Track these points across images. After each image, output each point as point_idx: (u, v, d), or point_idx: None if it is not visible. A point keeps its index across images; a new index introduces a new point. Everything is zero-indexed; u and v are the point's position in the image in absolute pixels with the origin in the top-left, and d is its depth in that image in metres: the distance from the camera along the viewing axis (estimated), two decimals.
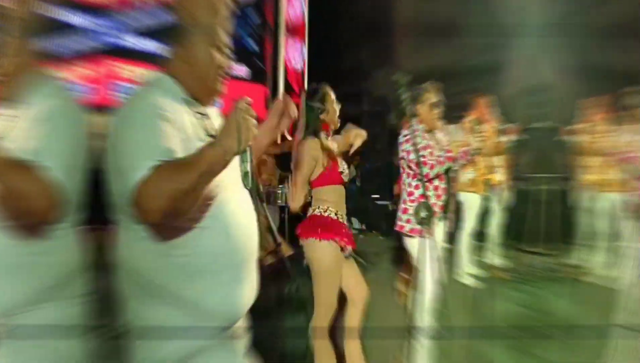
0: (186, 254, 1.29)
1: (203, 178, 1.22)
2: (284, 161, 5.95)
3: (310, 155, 2.59)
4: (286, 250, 4.79)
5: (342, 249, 2.59)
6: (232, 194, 1.38)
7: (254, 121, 1.30)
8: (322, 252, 2.54)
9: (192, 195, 1.21)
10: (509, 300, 4.04)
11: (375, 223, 7.45)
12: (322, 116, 2.60)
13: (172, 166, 1.20)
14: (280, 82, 7.91)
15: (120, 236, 1.35)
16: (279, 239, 3.00)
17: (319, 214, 2.61)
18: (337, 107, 2.71)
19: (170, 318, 1.30)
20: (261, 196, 3.65)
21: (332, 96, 2.67)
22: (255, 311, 1.49)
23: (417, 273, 2.42)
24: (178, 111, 1.32)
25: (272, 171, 5.59)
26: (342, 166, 2.71)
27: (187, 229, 1.28)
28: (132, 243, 1.32)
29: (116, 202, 1.33)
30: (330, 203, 2.62)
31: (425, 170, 2.76)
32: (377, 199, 7.63)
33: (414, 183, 2.92)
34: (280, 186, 5.32)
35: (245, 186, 1.36)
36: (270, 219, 3.37)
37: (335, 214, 2.63)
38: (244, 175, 1.33)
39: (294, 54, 8.24)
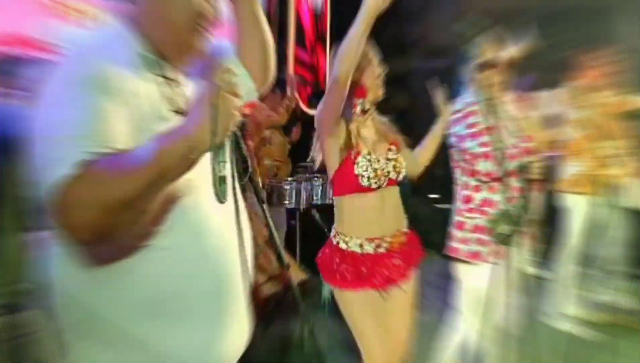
0: (135, 283, 1.22)
1: (155, 183, 1.09)
2: (298, 150, 5.34)
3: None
4: (297, 275, 4.65)
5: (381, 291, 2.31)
6: (205, 198, 1.27)
7: (238, 102, 1.18)
8: (348, 305, 2.31)
9: (137, 206, 1.09)
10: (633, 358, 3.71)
11: (430, 236, 7.34)
12: (353, 76, 2.21)
13: (109, 163, 1.07)
14: (290, 30, 6.69)
15: (53, 250, 1.25)
16: (286, 259, 2.93)
17: (339, 246, 2.32)
18: (378, 71, 2.38)
19: None
20: (260, 195, 3.50)
21: (372, 54, 2.38)
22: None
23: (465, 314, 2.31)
24: (129, 78, 1.19)
25: (281, 154, 4.85)
26: (369, 162, 2.28)
27: (132, 250, 1.20)
28: (66, 261, 1.23)
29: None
30: (356, 224, 2.30)
31: (485, 166, 2.50)
32: (435, 201, 6.50)
33: (472, 183, 2.66)
34: (289, 179, 4.64)
35: (219, 198, 1.23)
36: (272, 229, 3.24)
37: (361, 246, 2.28)
38: (219, 181, 1.21)
39: None
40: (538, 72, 3.47)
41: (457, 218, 2.72)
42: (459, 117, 2.64)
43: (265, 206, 3.01)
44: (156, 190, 1.12)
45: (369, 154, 2.28)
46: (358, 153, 2.27)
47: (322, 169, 5.01)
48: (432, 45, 6.66)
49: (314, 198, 4.66)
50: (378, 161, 2.29)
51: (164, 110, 1.24)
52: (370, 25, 1.99)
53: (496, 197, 2.53)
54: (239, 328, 1.42)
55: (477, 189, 2.65)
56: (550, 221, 5.21)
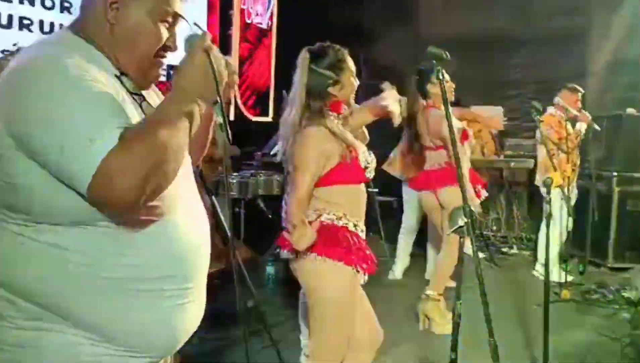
0: (105, 264, 1.26)
1: (175, 138, 1.20)
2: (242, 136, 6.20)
3: (319, 151, 2.29)
4: (242, 253, 5.20)
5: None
6: (176, 188, 1.33)
7: (225, 59, 1.33)
8: (332, 279, 2.29)
9: (166, 166, 1.20)
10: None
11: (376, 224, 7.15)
12: (332, 90, 2.36)
13: (135, 133, 1.17)
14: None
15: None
16: (232, 240, 3.23)
17: (329, 222, 2.32)
18: (355, 82, 2.44)
19: (74, 348, 1.26)
20: (209, 187, 3.53)
21: (351, 63, 2.42)
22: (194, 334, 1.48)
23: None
24: (109, 83, 1.27)
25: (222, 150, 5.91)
26: (366, 157, 2.42)
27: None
28: (11, 241, 1.26)
29: None
30: (346, 209, 2.35)
31: None
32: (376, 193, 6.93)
33: None
34: (235, 174, 5.33)
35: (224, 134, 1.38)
36: (220, 216, 3.56)
37: (355, 225, 2.36)
38: (220, 127, 1.36)
39: None
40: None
41: None
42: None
43: (213, 197, 3.50)
44: (177, 146, 1.22)
45: (364, 151, 2.42)
46: (357, 151, 2.37)
47: (267, 166, 5.61)
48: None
49: (259, 190, 5.21)
50: (370, 155, 2.45)
51: (137, 118, 1.31)
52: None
53: None
54: (199, 307, 1.47)
55: None
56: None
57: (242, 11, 6.94)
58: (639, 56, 6.75)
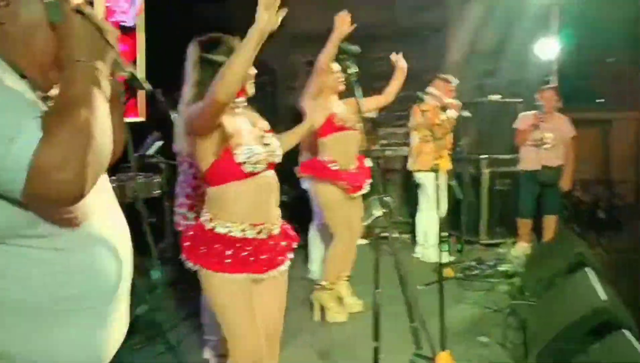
0: (25, 284, 1.19)
1: (98, 113, 1.15)
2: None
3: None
4: None
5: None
6: (95, 198, 1.26)
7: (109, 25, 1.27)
8: (221, 289, 2.30)
9: (100, 141, 1.15)
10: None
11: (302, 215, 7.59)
12: None
13: (52, 120, 1.10)
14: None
15: None
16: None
17: (216, 231, 2.29)
18: (254, 71, 2.39)
19: None
20: None
21: None
22: None
23: None
24: (17, 83, 1.19)
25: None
26: (254, 150, 2.30)
27: None
28: None
29: None
30: (239, 210, 2.30)
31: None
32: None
33: None
34: (113, 178, 4.97)
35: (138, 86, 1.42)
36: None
37: (243, 231, 2.29)
38: (131, 79, 1.38)
39: None
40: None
41: None
42: None
43: None
44: (100, 119, 1.17)
45: (248, 142, 2.31)
46: (238, 144, 2.27)
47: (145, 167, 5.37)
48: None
49: (138, 193, 5.03)
50: (257, 148, 2.32)
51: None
52: (258, 47, 2.02)
53: None
54: (122, 323, 1.42)
55: None
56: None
57: (106, 9, 6.58)
58: (492, 46, 7.24)
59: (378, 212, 2.11)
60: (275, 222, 2.40)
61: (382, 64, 8.29)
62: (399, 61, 4.52)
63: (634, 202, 9.92)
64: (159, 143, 5.62)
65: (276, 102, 8.70)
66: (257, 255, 2.30)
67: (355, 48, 2.26)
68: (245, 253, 2.27)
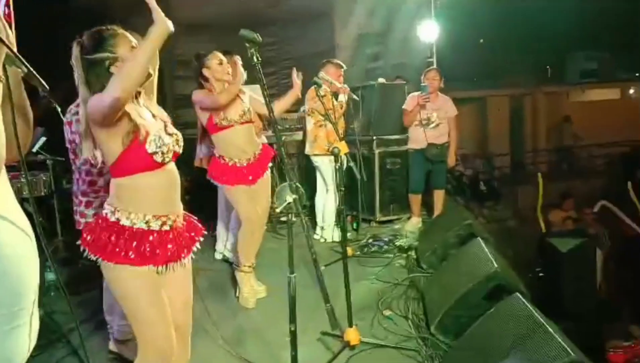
0: None
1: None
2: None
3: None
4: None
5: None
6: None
7: None
8: (125, 282, 2.28)
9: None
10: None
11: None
12: (114, 69, 2.27)
13: None
14: None
15: None
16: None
17: (120, 223, 2.26)
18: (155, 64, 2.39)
19: None
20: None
21: (129, 36, 2.36)
22: None
23: None
24: None
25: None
26: (163, 139, 2.31)
27: None
28: None
29: None
30: (144, 202, 2.28)
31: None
32: None
33: None
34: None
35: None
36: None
37: (147, 223, 2.28)
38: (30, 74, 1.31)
39: None
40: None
41: None
42: None
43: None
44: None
45: (157, 132, 2.31)
46: (147, 134, 2.26)
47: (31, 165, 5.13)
48: None
49: (24, 192, 4.85)
50: (166, 137, 2.34)
51: None
52: (159, 47, 2.12)
53: None
54: (32, 328, 1.40)
55: None
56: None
57: None
58: (380, 29, 7.50)
59: (289, 198, 2.18)
60: (179, 214, 2.42)
61: (270, 50, 8.37)
62: (297, 80, 4.39)
63: (510, 173, 10.72)
64: (43, 139, 5.38)
65: (163, 91, 8.52)
66: (160, 247, 2.30)
67: (257, 36, 2.31)
68: (148, 245, 2.27)
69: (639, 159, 10.98)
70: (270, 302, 4.24)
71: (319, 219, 6.10)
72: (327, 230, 5.94)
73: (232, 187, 4.24)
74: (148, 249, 2.26)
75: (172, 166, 2.39)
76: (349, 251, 5.34)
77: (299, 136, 6.83)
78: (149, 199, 2.29)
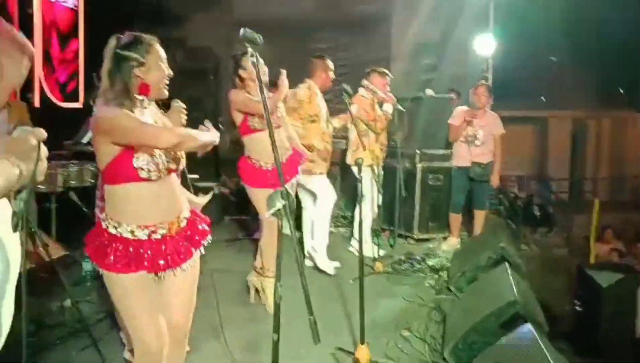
0: None
1: None
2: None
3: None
4: (55, 251, 4.90)
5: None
6: None
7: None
8: (117, 287, 2.33)
9: None
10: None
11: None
12: (137, 72, 2.32)
13: None
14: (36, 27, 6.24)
15: None
16: (44, 237, 3.06)
17: (109, 230, 2.31)
18: (166, 69, 2.42)
19: None
20: None
21: (161, 51, 2.41)
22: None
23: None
24: None
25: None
26: (155, 158, 2.31)
27: None
28: None
29: None
30: (128, 212, 2.31)
31: None
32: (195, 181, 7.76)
33: None
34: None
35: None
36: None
37: (132, 232, 2.30)
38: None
39: None
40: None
41: None
42: None
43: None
44: None
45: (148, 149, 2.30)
46: (140, 149, 2.26)
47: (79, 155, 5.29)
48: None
49: (70, 181, 4.96)
50: (160, 155, 2.32)
51: None
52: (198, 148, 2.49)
53: None
54: (5, 318, 1.42)
55: None
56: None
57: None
58: (437, 40, 7.35)
59: (279, 204, 2.13)
60: (175, 221, 2.41)
61: (323, 55, 8.33)
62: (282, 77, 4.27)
63: (567, 199, 10.30)
64: None
65: (219, 90, 8.64)
66: (153, 254, 2.33)
67: (259, 37, 2.27)
68: (135, 253, 2.30)
69: None
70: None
71: (355, 232, 6.01)
72: (366, 246, 5.84)
73: (255, 189, 4.25)
74: (136, 256, 2.29)
75: (165, 179, 2.38)
76: (379, 266, 5.25)
77: (342, 144, 6.75)
78: (133, 209, 2.31)
